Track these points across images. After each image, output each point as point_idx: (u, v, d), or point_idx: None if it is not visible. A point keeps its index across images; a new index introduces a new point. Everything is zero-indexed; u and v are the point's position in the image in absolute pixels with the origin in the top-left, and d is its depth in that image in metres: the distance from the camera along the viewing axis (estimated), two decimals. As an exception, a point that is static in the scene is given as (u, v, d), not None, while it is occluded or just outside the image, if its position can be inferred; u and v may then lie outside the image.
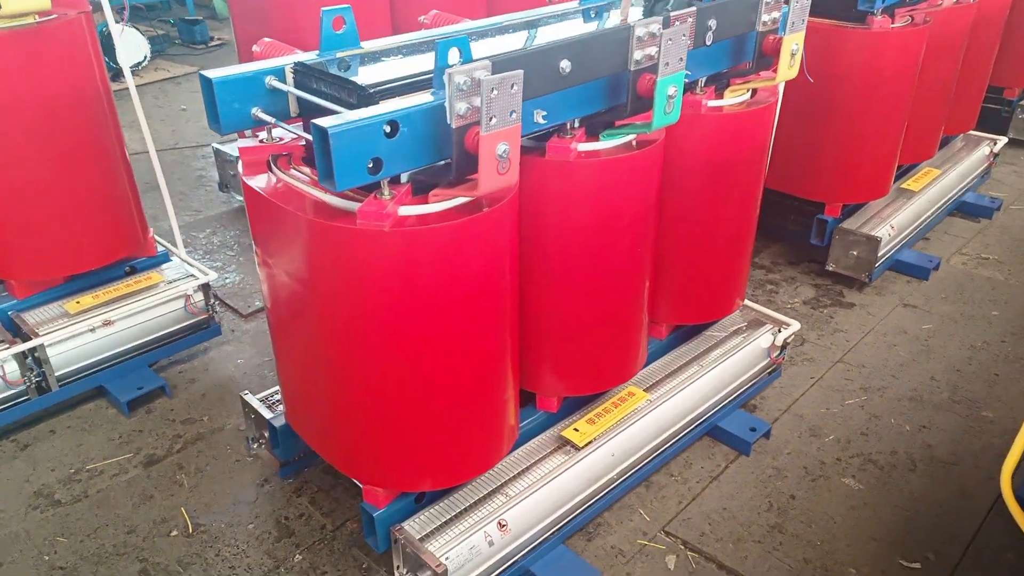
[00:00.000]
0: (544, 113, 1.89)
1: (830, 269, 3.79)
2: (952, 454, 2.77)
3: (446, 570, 1.99)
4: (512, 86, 1.60)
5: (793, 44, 2.33)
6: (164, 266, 3.35)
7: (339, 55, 2.03)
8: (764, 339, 2.92)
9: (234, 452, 2.80)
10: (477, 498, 2.22)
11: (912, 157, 4.06)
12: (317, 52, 2.05)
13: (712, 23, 2.18)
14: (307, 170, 1.94)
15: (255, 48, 2.18)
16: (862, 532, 2.45)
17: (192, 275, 3.26)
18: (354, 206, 1.75)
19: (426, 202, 1.78)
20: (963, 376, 3.17)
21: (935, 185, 4.22)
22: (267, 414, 2.51)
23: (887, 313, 3.60)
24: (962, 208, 4.52)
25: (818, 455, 2.76)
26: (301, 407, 2.19)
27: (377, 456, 2.03)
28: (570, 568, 2.27)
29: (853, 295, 3.74)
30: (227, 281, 3.87)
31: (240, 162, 2.02)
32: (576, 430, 2.44)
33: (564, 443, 2.41)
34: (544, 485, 2.26)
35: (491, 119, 1.59)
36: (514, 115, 1.63)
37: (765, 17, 2.33)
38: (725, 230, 2.63)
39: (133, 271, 3.29)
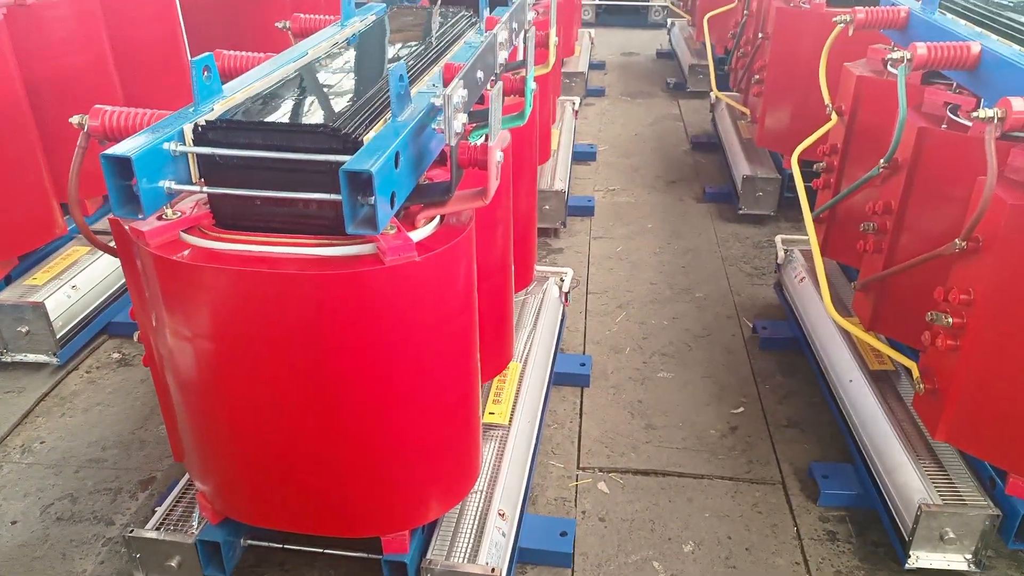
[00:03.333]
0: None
1: (531, 227, 4.41)
2: (703, 328, 3.61)
3: (501, 573, 2.04)
4: (500, 95, 1.73)
5: (555, 34, 2.77)
6: None
7: (216, 105, 1.84)
8: (554, 290, 3.39)
9: (110, 613, 2.28)
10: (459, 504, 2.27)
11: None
12: (190, 107, 1.82)
13: (515, 24, 2.48)
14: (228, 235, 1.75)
15: (87, 121, 1.82)
16: (697, 403, 3.12)
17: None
18: (363, 248, 1.68)
19: (415, 227, 1.79)
20: (667, 275, 4.08)
21: (562, 143, 5.13)
22: (186, 539, 2.12)
23: (587, 247, 4.37)
24: (576, 157, 5.56)
25: (630, 364, 3.35)
26: (277, 491, 1.95)
27: (396, 501, 1.96)
28: (548, 528, 2.46)
29: (556, 241, 4.43)
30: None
31: (149, 246, 1.71)
32: (492, 413, 2.60)
33: (488, 428, 2.56)
34: (508, 466, 2.40)
35: (494, 127, 1.70)
36: (499, 121, 1.76)
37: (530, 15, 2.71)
38: (523, 213, 2.99)
39: None
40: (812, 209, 3.12)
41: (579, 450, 2.88)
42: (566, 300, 3.44)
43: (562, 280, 3.43)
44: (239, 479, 1.97)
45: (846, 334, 3.01)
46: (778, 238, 3.75)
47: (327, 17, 2.79)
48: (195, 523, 2.16)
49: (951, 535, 2.24)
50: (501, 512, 2.26)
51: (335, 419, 1.80)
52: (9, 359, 3.31)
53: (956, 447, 2.37)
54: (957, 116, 2.39)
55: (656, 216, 4.76)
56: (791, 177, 4.54)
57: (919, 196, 2.46)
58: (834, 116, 3.01)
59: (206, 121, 1.70)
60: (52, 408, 3.14)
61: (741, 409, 3.10)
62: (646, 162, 5.59)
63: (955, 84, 2.48)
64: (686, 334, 3.58)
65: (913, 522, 2.24)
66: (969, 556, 2.28)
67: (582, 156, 5.58)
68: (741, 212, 4.63)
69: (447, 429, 1.97)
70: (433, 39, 2.44)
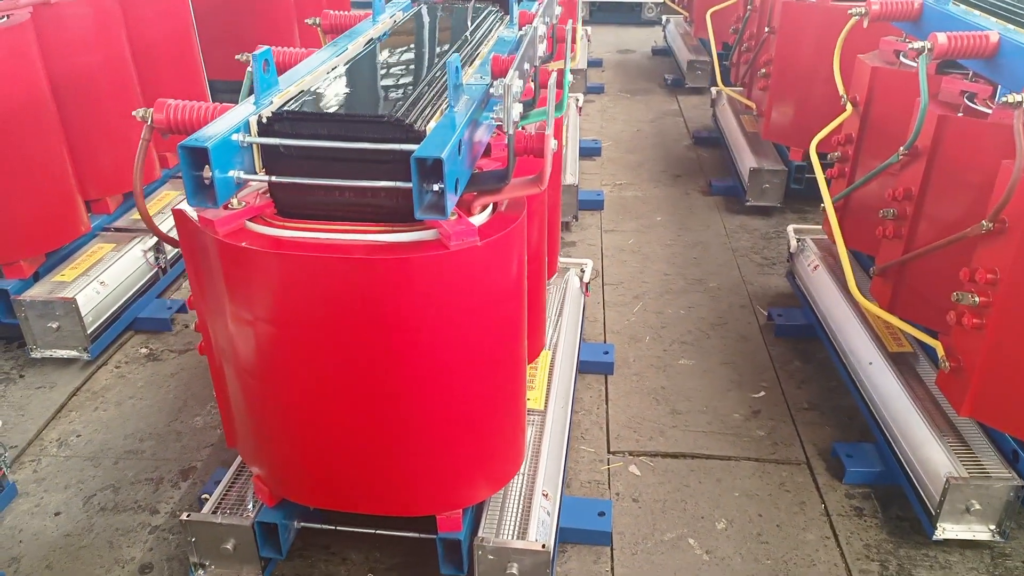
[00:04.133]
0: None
1: (543, 221, 4.48)
2: (718, 317, 3.70)
3: (550, 549, 2.11)
4: (555, 85, 1.80)
5: (580, 30, 2.84)
6: None
7: (276, 98, 1.89)
8: (575, 280, 3.46)
9: (162, 598, 2.33)
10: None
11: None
12: (251, 99, 1.88)
13: (546, 19, 2.55)
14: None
15: (151, 115, 1.86)
16: (719, 389, 3.20)
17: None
18: (424, 234, 1.75)
19: (471, 214, 1.85)
20: (679, 266, 4.17)
21: (569, 138, 5.19)
22: (243, 521, 2.18)
23: (599, 240, 4.45)
24: (581, 152, 5.62)
25: (650, 352, 3.43)
26: (338, 473, 2.01)
27: (453, 480, 2.02)
28: (586, 509, 2.53)
29: (569, 235, 4.50)
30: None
31: (219, 234, 1.77)
32: (528, 399, 2.66)
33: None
34: (547, 449, 2.47)
35: (551, 116, 1.77)
36: (553, 110, 1.83)
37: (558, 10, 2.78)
38: (550, 205, 3.06)
39: None
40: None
41: (608, 435, 2.95)
42: (587, 291, 3.52)
43: (582, 271, 3.50)
44: (299, 461, 2.02)
45: (863, 318, 3.10)
46: (790, 228, 3.84)
47: (357, 13, 2.86)
48: (250, 506, 2.22)
49: (976, 506, 2.33)
50: (545, 493, 2.33)
51: (396, 400, 1.86)
52: (39, 355, 3.34)
53: (980, 422, 2.46)
54: (974, 103, 2.48)
55: (664, 210, 4.85)
56: (797, 169, 4.67)
57: (938, 182, 2.55)
58: (849, 107, 3.10)
59: (272, 113, 1.76)
60: (85, 402, 3.18)
61: (762, 394, 3.18)
62: (650, 157, 5.67)
63: (971, 73, 2.58)
64: (702, 323, 3.66)
65: (940, 495, 2.33)
66: (993, 527, 2.37)
67: (587, 152, 5.66)
68: (748, 204, 4.71)
69: (499, 410, 2.04)
70: (468, 33, 2.51)
